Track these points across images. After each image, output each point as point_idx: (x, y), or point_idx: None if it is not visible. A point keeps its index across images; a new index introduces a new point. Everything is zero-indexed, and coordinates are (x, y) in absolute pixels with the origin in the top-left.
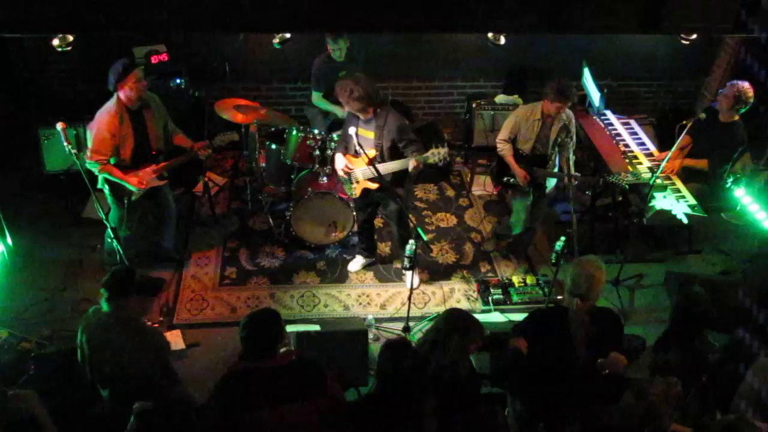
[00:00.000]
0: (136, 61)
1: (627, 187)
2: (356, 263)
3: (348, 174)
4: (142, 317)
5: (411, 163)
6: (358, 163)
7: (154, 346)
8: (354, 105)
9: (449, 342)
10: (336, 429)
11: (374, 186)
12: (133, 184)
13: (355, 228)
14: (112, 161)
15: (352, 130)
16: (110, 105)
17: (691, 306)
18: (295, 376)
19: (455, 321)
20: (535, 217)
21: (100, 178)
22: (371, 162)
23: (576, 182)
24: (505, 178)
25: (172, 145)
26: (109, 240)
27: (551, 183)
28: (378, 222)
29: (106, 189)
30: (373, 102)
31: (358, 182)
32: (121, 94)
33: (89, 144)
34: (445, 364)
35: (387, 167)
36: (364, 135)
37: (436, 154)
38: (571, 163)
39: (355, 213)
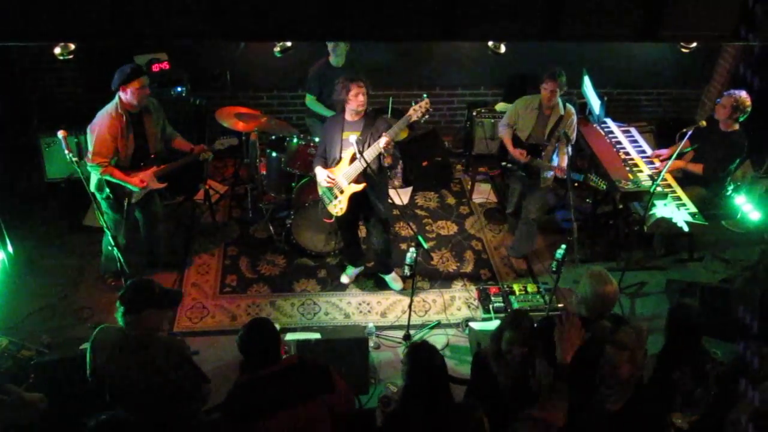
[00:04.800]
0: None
1: (603, 187)
2: (346, 276)
3: (331, 185)
4: (156, 331)
5: (382, 141)
6: (340, 168)
7: (176, 352)
8: (361, 103)
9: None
10: (345, 423)
11: (361, 187)
12: (135, 184)
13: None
14: (112, 163)
15: (352, 138)
16: (111, 107)
17: (682, 318)
18: (301, 376)
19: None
20: (530, 203)
21: (93, 182)
22: (355, 156)
23: (565, 175)
24: (503, 162)
25: (170, 149)
26: (109, 248)
27: (547, 173)
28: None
29: (100, 195)
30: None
31: (342, 192)
32: (123, 96)
33: (90, 147)
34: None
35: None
36: (348, 137)
37: (418, 110)
38: (567, 158)
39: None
